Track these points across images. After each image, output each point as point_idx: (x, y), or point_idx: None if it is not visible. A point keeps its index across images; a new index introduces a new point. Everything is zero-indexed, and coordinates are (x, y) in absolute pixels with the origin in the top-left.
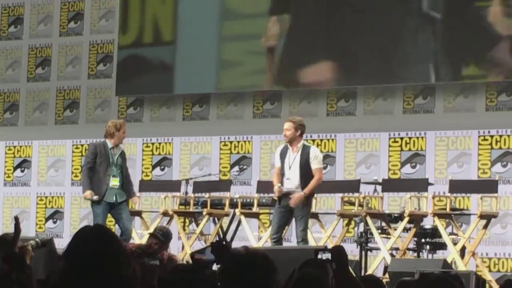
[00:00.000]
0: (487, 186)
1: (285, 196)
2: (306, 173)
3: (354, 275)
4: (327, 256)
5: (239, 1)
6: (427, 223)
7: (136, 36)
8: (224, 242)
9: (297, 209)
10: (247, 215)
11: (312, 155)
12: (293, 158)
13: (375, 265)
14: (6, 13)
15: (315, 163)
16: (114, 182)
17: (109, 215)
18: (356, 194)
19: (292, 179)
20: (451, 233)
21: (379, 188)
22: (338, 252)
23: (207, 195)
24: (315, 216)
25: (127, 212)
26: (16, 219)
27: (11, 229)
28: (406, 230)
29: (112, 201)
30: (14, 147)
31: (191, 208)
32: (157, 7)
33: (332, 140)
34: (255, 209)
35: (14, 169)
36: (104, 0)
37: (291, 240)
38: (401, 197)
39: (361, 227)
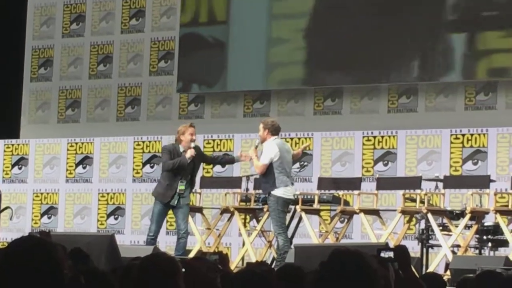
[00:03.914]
0: None
1: None
2: None
3: (416, 274)
4: (389, 254)
5: None
6: (489, 220)
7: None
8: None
9: None
10: (308, 212)
11: None
12: None
13: (436, 262)
14: (68, 11)
15: None
16: (181, 187)
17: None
18: (418, 191)
19: None
20: None
21: (440, 185)
22: (401, 251)
23: None
24: (376, 212)
25: (184, 213)
26: None
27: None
28: (467, 227)
29: (174, 204)
30: (76, 143)
31: (252, 205)
32: None
33: (394, 136)
34: (316, 205)
35: (76, 166)
36: None
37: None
38: (463, 194)
39: (422, 224)
